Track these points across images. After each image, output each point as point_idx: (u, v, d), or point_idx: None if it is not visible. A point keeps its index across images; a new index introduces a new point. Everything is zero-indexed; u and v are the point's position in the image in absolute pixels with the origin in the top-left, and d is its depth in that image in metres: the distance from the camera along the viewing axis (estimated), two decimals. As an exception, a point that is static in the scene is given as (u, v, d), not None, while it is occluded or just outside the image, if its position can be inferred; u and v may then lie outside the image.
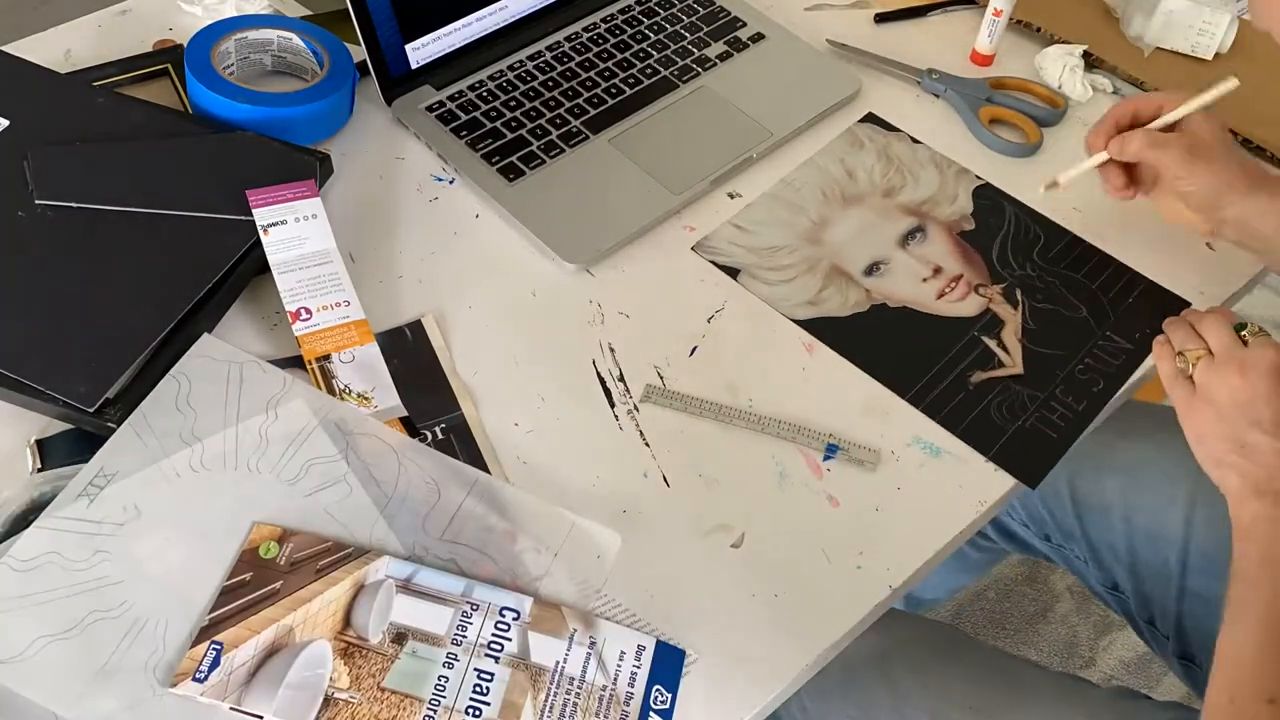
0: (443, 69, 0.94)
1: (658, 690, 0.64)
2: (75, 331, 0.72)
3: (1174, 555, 0.91)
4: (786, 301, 0.83)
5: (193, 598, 0.64)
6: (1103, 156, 0.84)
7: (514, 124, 0.92)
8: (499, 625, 0.65)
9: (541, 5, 0.99)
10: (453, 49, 0.95)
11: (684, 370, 0.79)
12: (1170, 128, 0.82)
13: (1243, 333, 0.75)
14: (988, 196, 0.91)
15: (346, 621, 0.64)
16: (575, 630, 0.65)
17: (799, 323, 0.82)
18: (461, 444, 0.73)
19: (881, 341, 0.81)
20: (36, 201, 0.78)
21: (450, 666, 0.63)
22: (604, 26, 1.00)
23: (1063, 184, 0.85)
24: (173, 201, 0.79)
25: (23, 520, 0.66)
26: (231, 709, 0.60)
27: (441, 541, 0.68)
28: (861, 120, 0.96)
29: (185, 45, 0.88)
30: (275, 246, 0.78)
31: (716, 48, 1.00)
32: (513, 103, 0.93)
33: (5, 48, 0.89)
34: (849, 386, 0.79)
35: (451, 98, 0.93)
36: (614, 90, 0.95)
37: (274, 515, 0.68)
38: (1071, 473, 0.97)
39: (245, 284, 0.79)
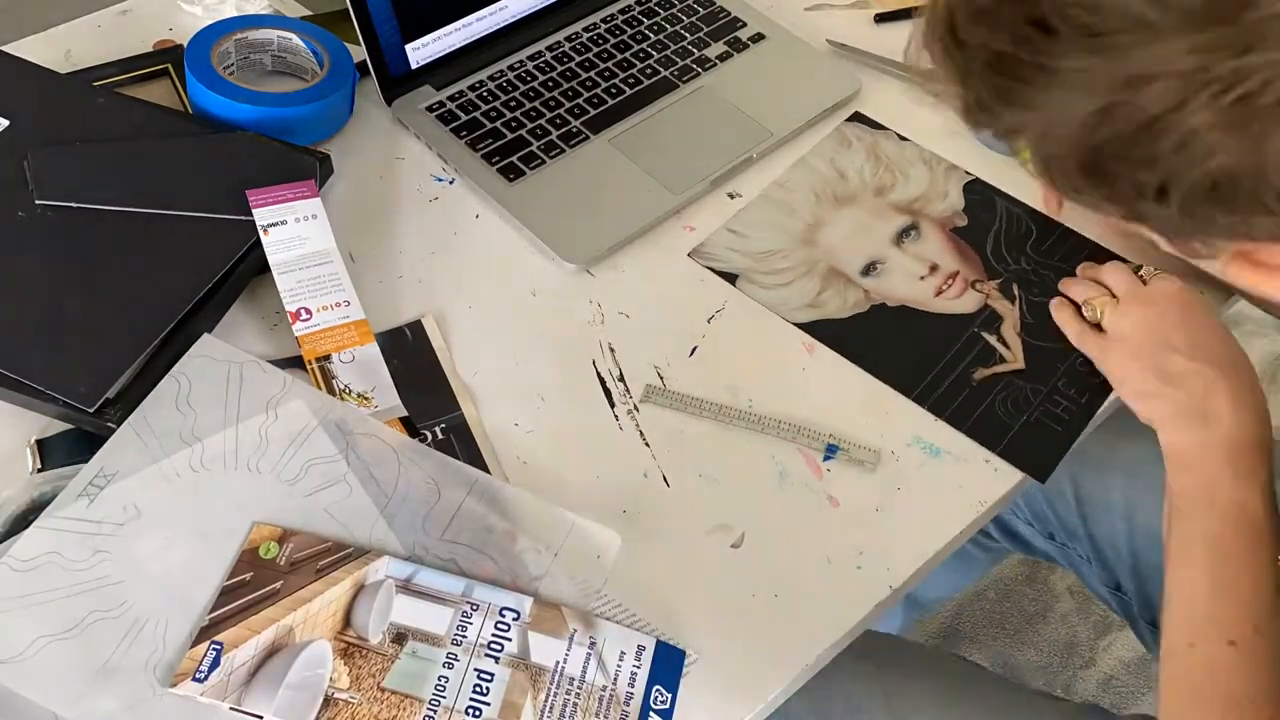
0: (443, 69, 0.94)
1: (658, 690, 0.64)
2: (75, 331, 0.72)
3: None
4: (786, 305, 0.83)
5: (193, 598, 0.64)
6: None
7: (514, 124, 0.92)
8: (499, 625, 0.65)
9: (541, 5, 0.99)
10: (453, 49, 0.95)
11: (684, 370, 0.79)
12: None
13: (1140, 273, 0.79)
14: (978, 192, 0.91)
15: (346, 621, 0.64)
16: (575, 630, 0.65)
17: (800, 326, 0.82)
18: (461, 444, 0.73)
19: (883, 342, 0.81)
20: (36, 201, 0.78)
21: (450, 666, 0.63)
22: (604, 27, 1.00)
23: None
24: (173, 201, 0.79)
25: (23, 520, 0.66)
26: (231, 709, 0.60)
27: (441, 541, 0.68)
28: (849, 119, 0.96)
29: (185, 45, 0.88)
30: (275, 246, 0.78)
31: (716, 48, 1.00)
32: (513, 103, 0.93)
33: (5, 48, 0.89)
34: (849, 387, 0.79)
35: (451, 98, 0.93)
36: (614, 90, 0.95)
37: (274, 515, 0.67)
38: (1074, 471, 0.97)
39: (245, 284, 0.79)
